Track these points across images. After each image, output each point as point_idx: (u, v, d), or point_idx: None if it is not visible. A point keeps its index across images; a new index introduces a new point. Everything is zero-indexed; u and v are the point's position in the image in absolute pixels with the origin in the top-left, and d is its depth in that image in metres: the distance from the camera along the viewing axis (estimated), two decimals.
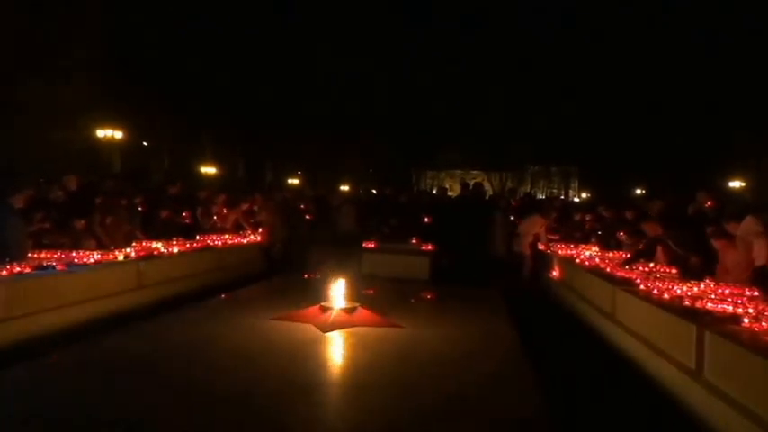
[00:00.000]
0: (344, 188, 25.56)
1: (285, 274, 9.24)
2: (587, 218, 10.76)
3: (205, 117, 30.58)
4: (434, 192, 15.22)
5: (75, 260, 6.94)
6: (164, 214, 10.03)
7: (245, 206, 11.66)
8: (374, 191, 18.98)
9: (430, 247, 9.77)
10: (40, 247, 7.53)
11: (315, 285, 7.03)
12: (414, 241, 10.37)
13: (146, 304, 7.17)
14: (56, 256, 7.09)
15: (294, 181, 37.26)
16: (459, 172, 62.06)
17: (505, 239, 9.69)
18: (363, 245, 9.90)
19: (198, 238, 9.96)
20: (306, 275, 8.61)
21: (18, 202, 7.03)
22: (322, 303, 5.77)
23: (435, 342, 5.02)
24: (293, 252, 10.50)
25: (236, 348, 4.62)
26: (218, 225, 10.96)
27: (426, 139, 47.30)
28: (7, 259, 6.26)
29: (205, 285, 8.37)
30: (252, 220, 11.54)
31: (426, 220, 10.79)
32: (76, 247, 7.98)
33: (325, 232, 11.12)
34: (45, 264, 6.55)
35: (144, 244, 8.69)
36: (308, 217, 11.85)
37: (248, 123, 33.41)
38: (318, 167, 38.58)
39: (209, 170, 33.09)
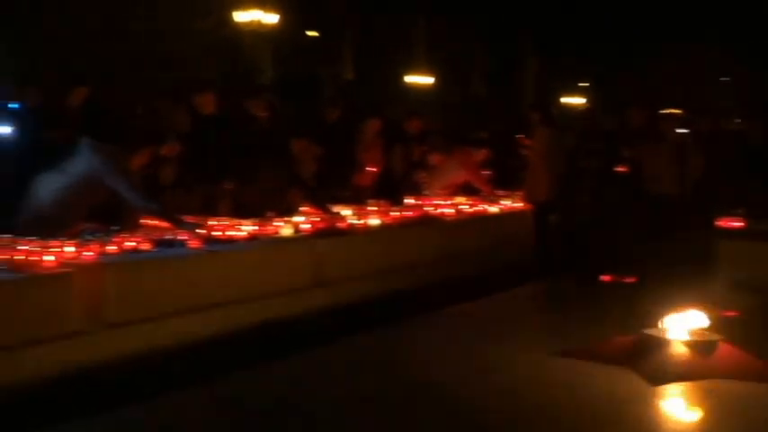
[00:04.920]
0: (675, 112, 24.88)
1: (565, 273, 9.28)
2: None
3: None
4: None
5: (219, 232, 7.54)
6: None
7: (478, 155, 11.86)
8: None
9: None
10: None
11: (626, 297, 6.97)
12: None
13: (325, 312, 7.65)
14: None
15: (577, 100, 37.11)
16: None
17: None
18: (718, 222, 9.73)
19: (405, 201, 10.35)
20: (606, 277, 8.62)
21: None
22: (645, 331, 5.75)
23: None
24: (579, 231, 10.50)
25: (497, 407, 4.70)
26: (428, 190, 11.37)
27: None
28: (114, 228, 6.99)
29: (429, 284, 8.69)
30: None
31: None
32: (209, 210, 8.65)
33: (644, 195, 10.97)
34: (169, 237, 7.22)
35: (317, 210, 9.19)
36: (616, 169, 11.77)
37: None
38: (627, 71, 37.89)
39: (421, 80, 34.19)
